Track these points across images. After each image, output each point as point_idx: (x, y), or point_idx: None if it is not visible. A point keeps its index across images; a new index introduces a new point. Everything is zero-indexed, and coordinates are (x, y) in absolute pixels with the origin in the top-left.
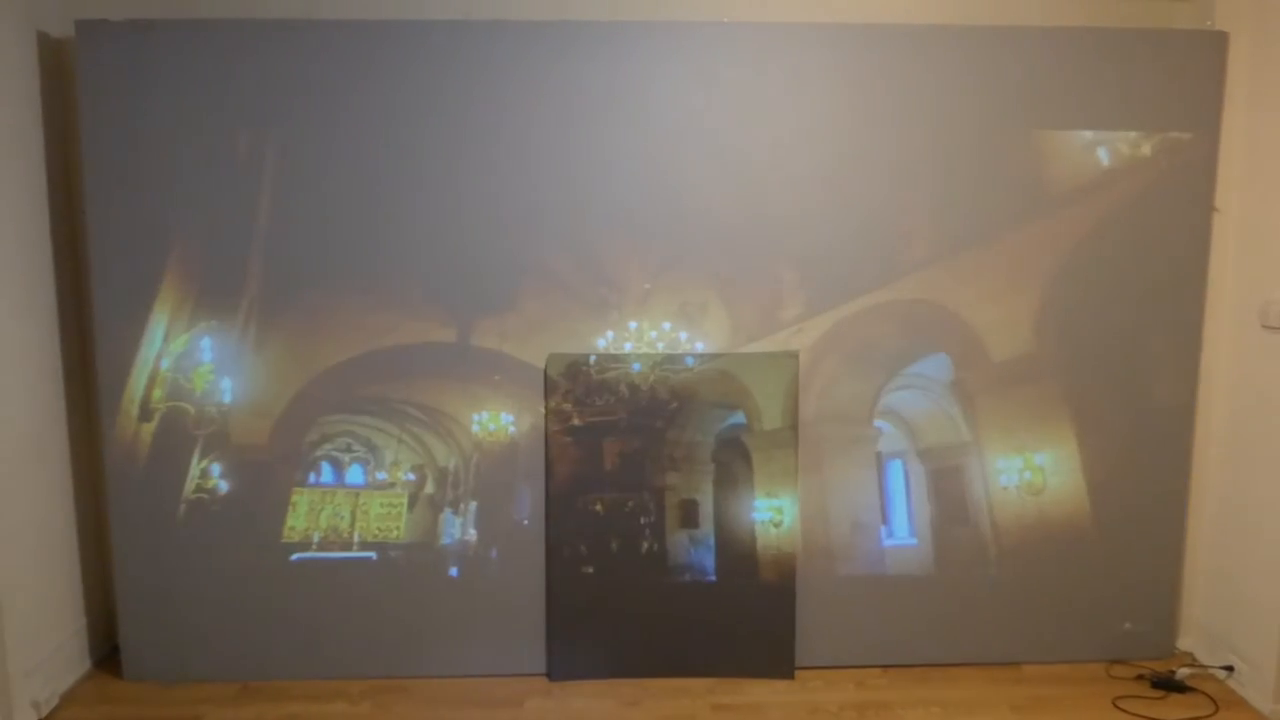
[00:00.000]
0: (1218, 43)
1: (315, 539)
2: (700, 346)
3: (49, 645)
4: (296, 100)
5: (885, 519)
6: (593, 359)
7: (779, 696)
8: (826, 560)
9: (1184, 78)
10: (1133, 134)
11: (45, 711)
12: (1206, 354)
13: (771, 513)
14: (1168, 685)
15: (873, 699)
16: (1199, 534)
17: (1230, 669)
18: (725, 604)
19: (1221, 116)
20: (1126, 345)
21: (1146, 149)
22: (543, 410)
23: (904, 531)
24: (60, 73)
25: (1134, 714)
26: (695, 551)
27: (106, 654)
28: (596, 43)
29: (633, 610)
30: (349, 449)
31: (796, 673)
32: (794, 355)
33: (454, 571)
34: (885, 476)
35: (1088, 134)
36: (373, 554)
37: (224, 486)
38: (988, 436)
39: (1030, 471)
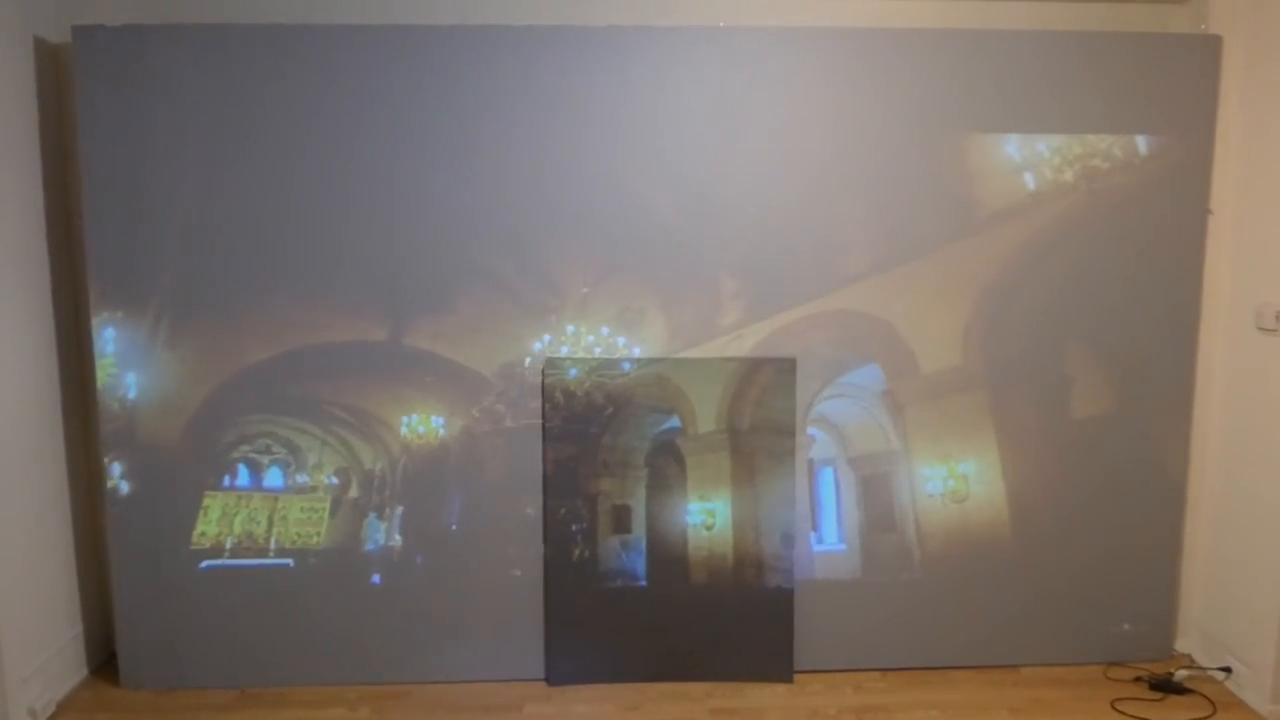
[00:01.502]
0: (1212, 47)
1: (228, 545)
2: (637, 351)
3: (45, 652)
4: (279, 102)
5: (815, 525)
6: (528, 361)
7: (778, 700)
8: (755, 568)
9: (1179, 82)
10: (1127, 138)
11: (42, 718)
12: (1202, 356)
13: (704, 515)
14: (1166, 687)
15: (871, 702)
16: (1197, 536)
17: (1228, 670)
18: (724, 609)
19: (1216, 120)
20: (1119, 348)
21: (1141, 152)
22: (475, 414)
23: (833, 537)
24: (57, 77)
25: (1132, 716)
26: (627, 556)
27: (104, 661)
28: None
29: (631, 615)
30: (268, 450)
31: (795, 676)
32: (732, 360)
33: (376, 579)
34: (816, 483)
35: (1082, 138)
36: (290, 561)
37: (125, 487)
38: (917, 445)
39: (954, 480)
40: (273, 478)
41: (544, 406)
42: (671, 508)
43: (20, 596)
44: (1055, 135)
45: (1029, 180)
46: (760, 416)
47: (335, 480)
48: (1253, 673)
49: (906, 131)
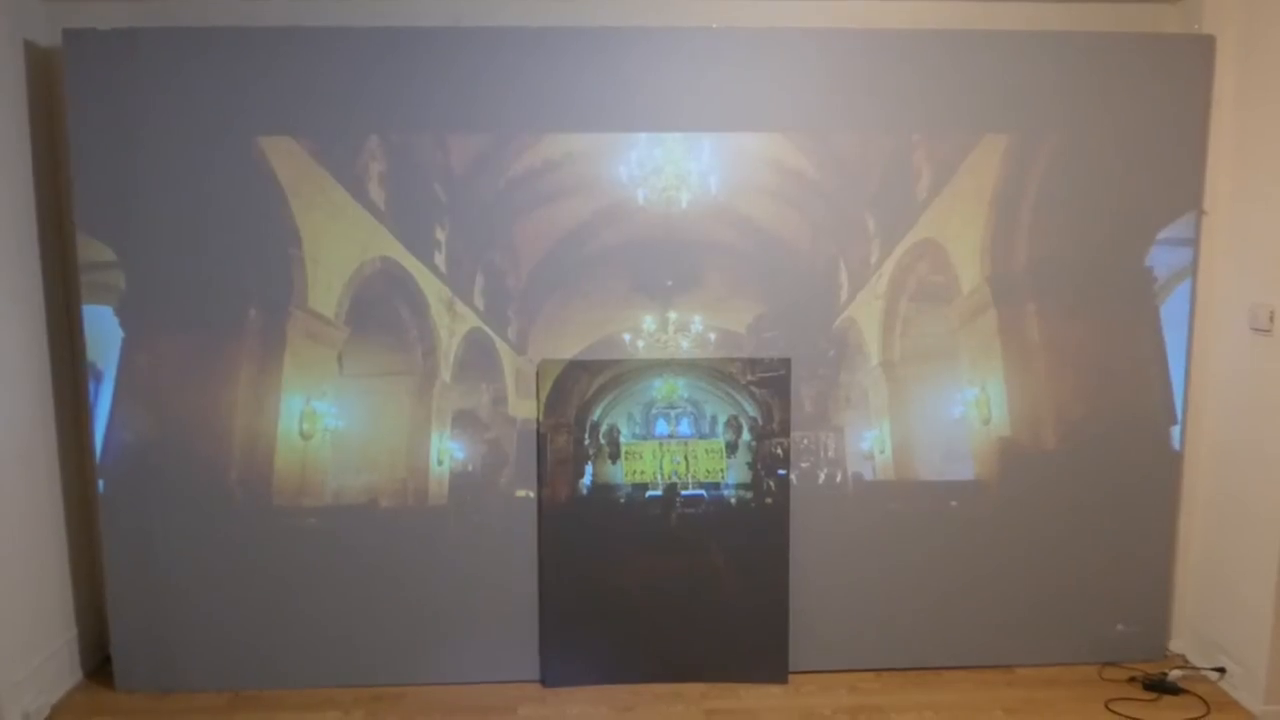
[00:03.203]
0: (1206, 46)
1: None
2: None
3: (39, 655)
4: (269, 105)
5: None
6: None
7: (772, 701)
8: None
9: (1172, 81)
10: (1121, 137)
11: None
12: (1196, 356)
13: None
14: (1159, 687)
15: (866, 703)
16: (1190, 536)
17: (1222, 671)
18: (719, 608)
19: (1209, 119)
20: (1115, 348)
21: (1135, 152)
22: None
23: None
24: (48, 81)
25: (1126, 716)
26: None
27: (98, 664)
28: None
29: (626, 615)
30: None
31: (790, 677)
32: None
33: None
34: None
35: (1077, 137)
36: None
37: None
38: None
39: None
40: None
41: (538, 404)
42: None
43: (14, 600)
44: (1049, 136)
45: (1022, 179)
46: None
47: None
48: (1246, 673)
49: (897, 130)
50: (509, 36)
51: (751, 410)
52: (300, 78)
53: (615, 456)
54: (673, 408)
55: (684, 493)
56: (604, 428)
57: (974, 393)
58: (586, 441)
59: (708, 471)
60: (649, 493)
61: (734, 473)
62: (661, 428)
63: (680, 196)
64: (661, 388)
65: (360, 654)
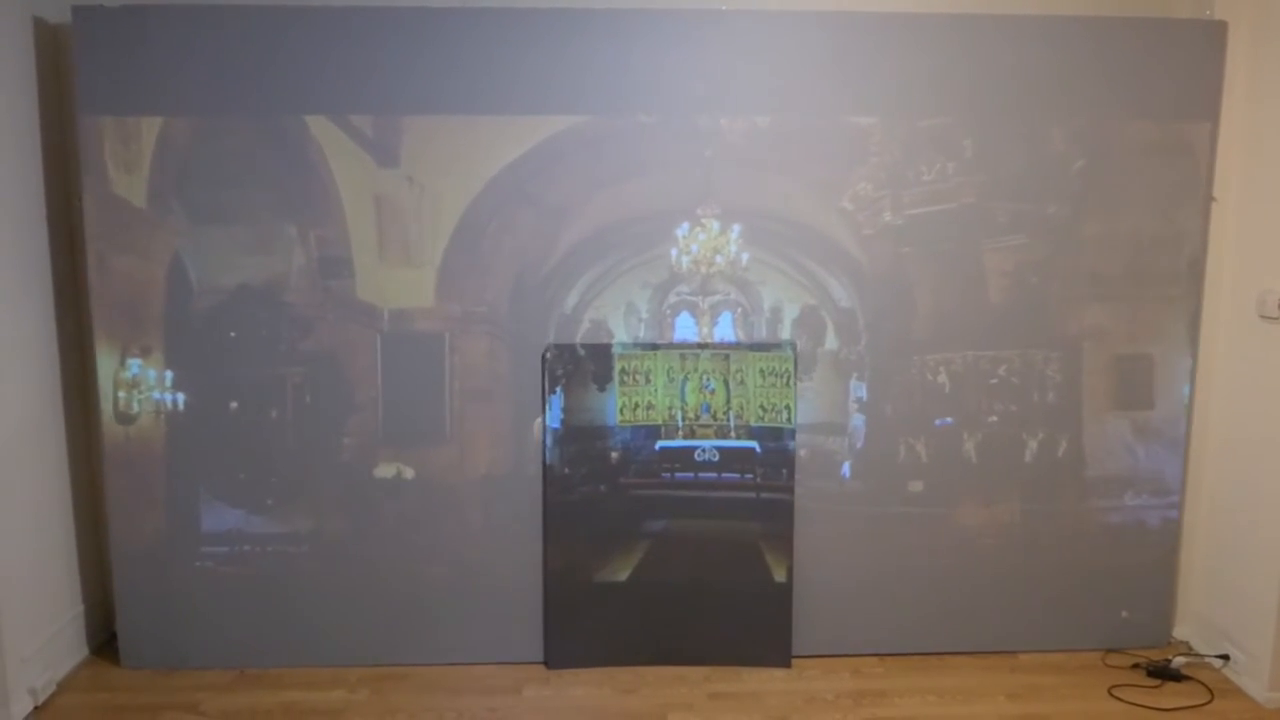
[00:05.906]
0: (1217, 32)
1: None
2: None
3: (46, 632)
4: (277, 83)
5: None
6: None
7: (776, 685)
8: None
9: (1183, 67)
10: (1131, 123)
11: (42, 698)
12: (1204, 343)
13: None
14: (1163, 674)
15: (869, 687)
16: (1196, 523)
17: (1226, 658)
18: (723, 592)
19: (1221, 106)
20: (1119, 335)
21: (1145, 139)
22: None
23: None
24: (57, 58)
25: (1130, 703)
26: None
27: (104, 641)
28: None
29: (630, 598)
30: None
31: (793, 661)
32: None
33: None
34: None
35: (1087, 124)
36: None
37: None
38: None
39: None
40: None
41: (543, 385)
42: None
43: (21, 576)
44: (1059, 121)
45: (1034, 166)
46: None
47: None
48: (1251, 660)
49: (905, 117)
50: (518, 19)
51: (846, 297)
52: (312, 56)
53: (603, 380)
54: (707, 292)
55: (718, 443)
56: (583, 326)
57: None
58: (549, 354)
59: (762, 409)
60: (659, 443)
61: (806, 408)
62: (685, 327)
63: None
64: (688, 247)
65: (366, 634)
